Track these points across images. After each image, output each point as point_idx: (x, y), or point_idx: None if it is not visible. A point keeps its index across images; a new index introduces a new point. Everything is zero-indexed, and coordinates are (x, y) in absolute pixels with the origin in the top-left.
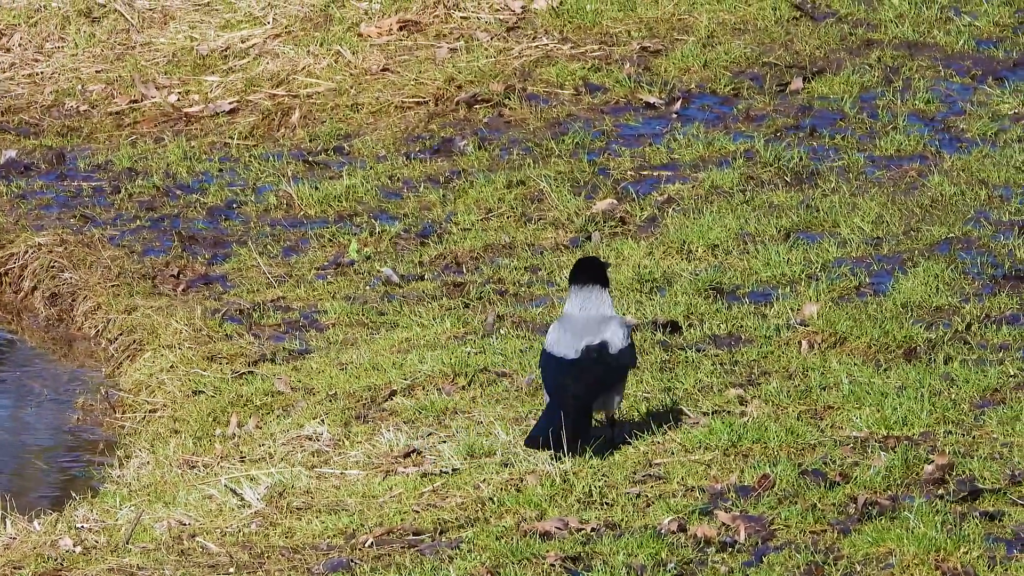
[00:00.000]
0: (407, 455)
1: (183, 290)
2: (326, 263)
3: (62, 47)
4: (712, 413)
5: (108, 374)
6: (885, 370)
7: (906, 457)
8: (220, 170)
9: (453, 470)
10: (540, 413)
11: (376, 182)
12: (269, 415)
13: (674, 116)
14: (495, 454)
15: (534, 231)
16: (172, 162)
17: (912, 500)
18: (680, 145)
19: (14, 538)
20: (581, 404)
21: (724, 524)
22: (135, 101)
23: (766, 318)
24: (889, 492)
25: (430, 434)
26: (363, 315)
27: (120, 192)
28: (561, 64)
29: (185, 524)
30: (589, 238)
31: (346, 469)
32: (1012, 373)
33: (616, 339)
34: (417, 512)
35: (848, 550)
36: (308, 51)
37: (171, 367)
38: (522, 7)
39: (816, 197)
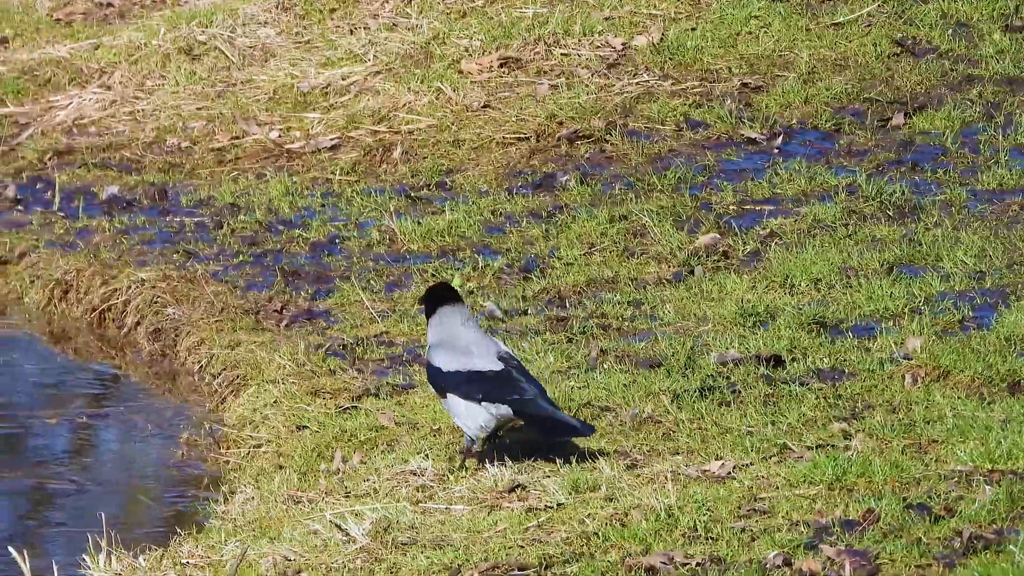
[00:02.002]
0: (512, 490)
1: (286, 325)
2: None
3: (163, 84)
4: (816, 447)
5: (212, 409)
6: (989, 403)
7: (1011, 491)
8: (322, 205)
9: (558, 504)
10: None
11: (479, 217)
12: (373, 450)
13: (776, 151)
14: (600, 488)
15: (637, 265)
16: (274, 197)
17: (1018, 534)
18: (782, 180)
19: (119, 574)
20: None
21: (829, 558)
22: (236, 138)
23: (869, 352)
24: (994, 526)
25: (535, 469)
26: None
27: (222, 228)
28: (662, 100)
29: (290, 560)
30: (692, 272)
31: (451, 504)
32: None
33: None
34: (522, 547)
35: None
36: (409, 88)
37: (275, 402)
38: (623, 44)
39: (919, 231)
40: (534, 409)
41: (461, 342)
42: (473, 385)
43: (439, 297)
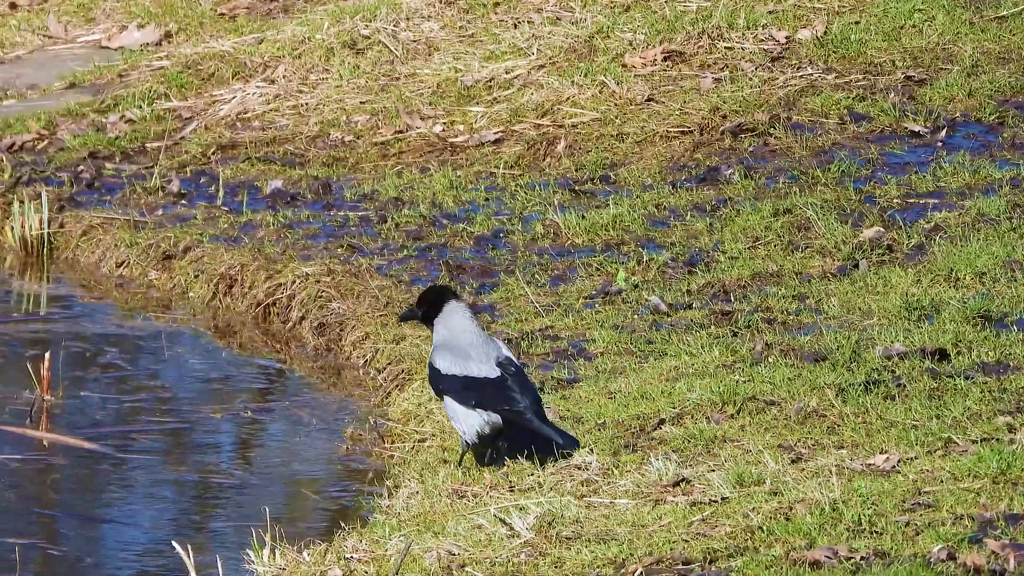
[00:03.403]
0: (676, 484)
1: None
2: (594, 292)
3: (326, 79)
4: (981, 441)
5: (376, 404)
6: None
7: None
8: (486, 199)
9: (722, 499)
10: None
11: (643, 211)
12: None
13: (939, 144)
14: (764, 482)
15: (801, 259)
16: (438, 191)
17: None
18: (946, 173)
19: (283, 568)
20: None
21: (994, 552)
22: (400, 132)
23: None
24: None
25: (699, 463)
26: (631, 344)
27: (386, 222)
28: (826, 93)
29: (454, 554)
30: (856, 266)
31: (615, 498)
32: None
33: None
34: (686, 541)
35: None
36: (573, 81)
37: None
38: (786, 37)
39: None
40: (520, 420)
41: (461, 344)
42: (469, 391)
43: (441, 297)
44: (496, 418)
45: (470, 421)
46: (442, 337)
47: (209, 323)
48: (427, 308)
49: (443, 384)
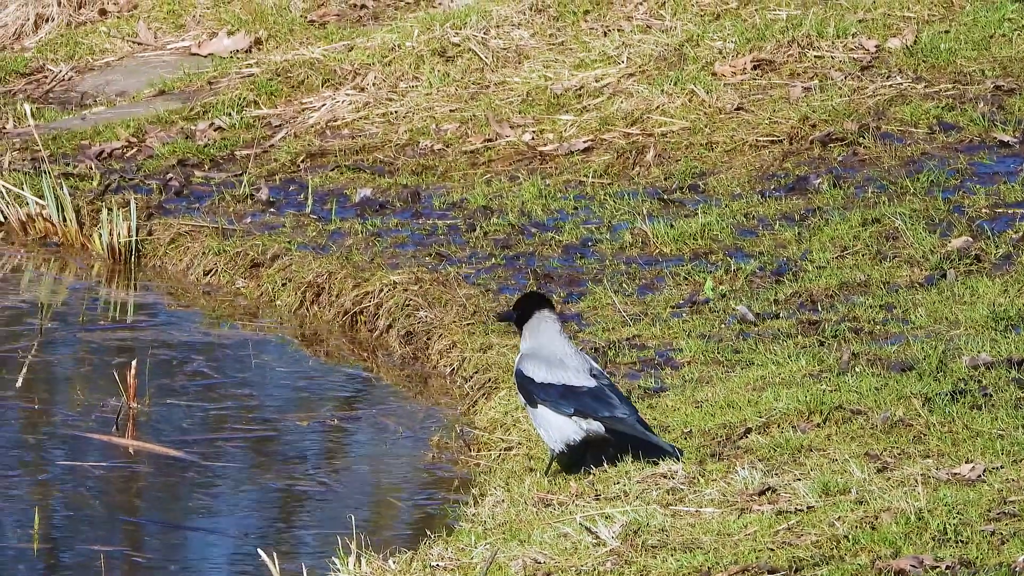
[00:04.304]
0: (762, 492)
1: None
2: (681, 301)
3: (416, 86)
4: None
5: (463, 412)
6: None
7: None
8: (575, 208)
9: (808, 508)
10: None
11: (731, 220)
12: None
13: None
14: (850, 491)
15: (889, 269)
16: (527, 200)
17: None
18: None
19: None
20: None
21: None
22: (489, 140)
23: None
24: None
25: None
26: (718, 353)
27: (475, 230)
28: (915, 103)
29: (540, 562)
30: (944, 276)
31: (701, 507)
32: None
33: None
34: (772, 550)
35: None
36: (662, 90)
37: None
38: (876, 46)
39: None
40: (625, 427)
41: (555, 354)
42: (566, 399)
43: (534, 303)
44: (597, 426)
45: (561, 430)
46: (531, 347)
47: (296, 331)
48: (521, 312)
49: (539, 393)
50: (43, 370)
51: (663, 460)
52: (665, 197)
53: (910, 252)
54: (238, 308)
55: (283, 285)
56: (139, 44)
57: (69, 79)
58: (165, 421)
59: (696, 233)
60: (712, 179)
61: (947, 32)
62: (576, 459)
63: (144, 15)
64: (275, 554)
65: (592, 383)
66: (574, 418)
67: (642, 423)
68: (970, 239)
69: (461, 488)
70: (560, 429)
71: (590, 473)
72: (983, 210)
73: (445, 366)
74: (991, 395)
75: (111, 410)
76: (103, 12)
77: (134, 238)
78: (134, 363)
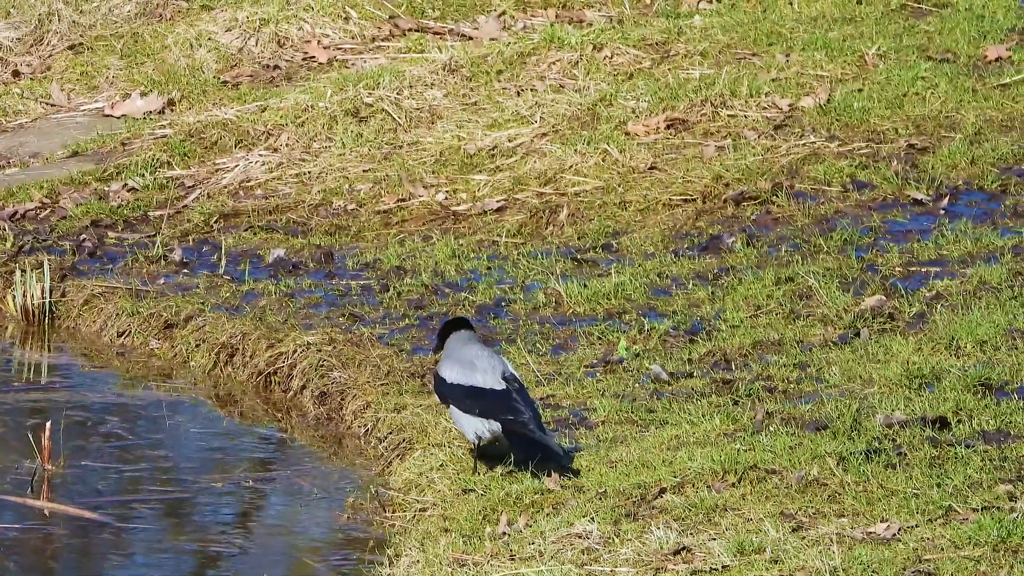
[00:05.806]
0: (677, 552)
1: None
2: (595, 361)
3: (329, 147)
4: (982, 509)
5: (378, 472)
6: None
7: None
8: (488, 268)
9: (723, 567)
10: None
11: (645, 279)
12: (539, 513)
13: (942, 212)
14: (765, 551)
15: (803, 328)
16: (440, 260)
17: None
18: (948, 241)
19: None
20: None
21: None
22: (403, 200)
23: None
24: None
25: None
26: (632, 412)
27: (388, 290)
28: (828, 161)
29: None
30: (858, 334)
31: (616, 567)
32: None
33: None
34: None
35: None
36: (575, 149)
37: (441, 465)
38: (789, 105)
39: None
40: (523, 430)
41: (466, 357)
42: (472, 400)
43: (452, 327)
44: (497, 426)
45: (473, 426)
46: (448, 352)
47: (210, 392)
48: (441, 337)
49: (447, 392)
50: None
51: (559, 464)
52: (579, 257)
53: (824, 311)
54: (152, 369)
55: (197, 346)
56: (52, 106)
57: None
58: (80, 483)
59: (610, 293)
60: (625, 238)
61: (860, 91)
62: (495, 452)
63: (57, 76)
64: None
65: (500, 386)
66: (479, 418)
67: (540, 426)
68: (884, 297)
69: (376, 549)
70: (469, 425)
71: (505, 534)
72: (897, 268)
73: (359, 427)
74: (905, 454)
75: (26, 472)
76: (16, 74)
77: (48, 299)
78: (48, 424)
